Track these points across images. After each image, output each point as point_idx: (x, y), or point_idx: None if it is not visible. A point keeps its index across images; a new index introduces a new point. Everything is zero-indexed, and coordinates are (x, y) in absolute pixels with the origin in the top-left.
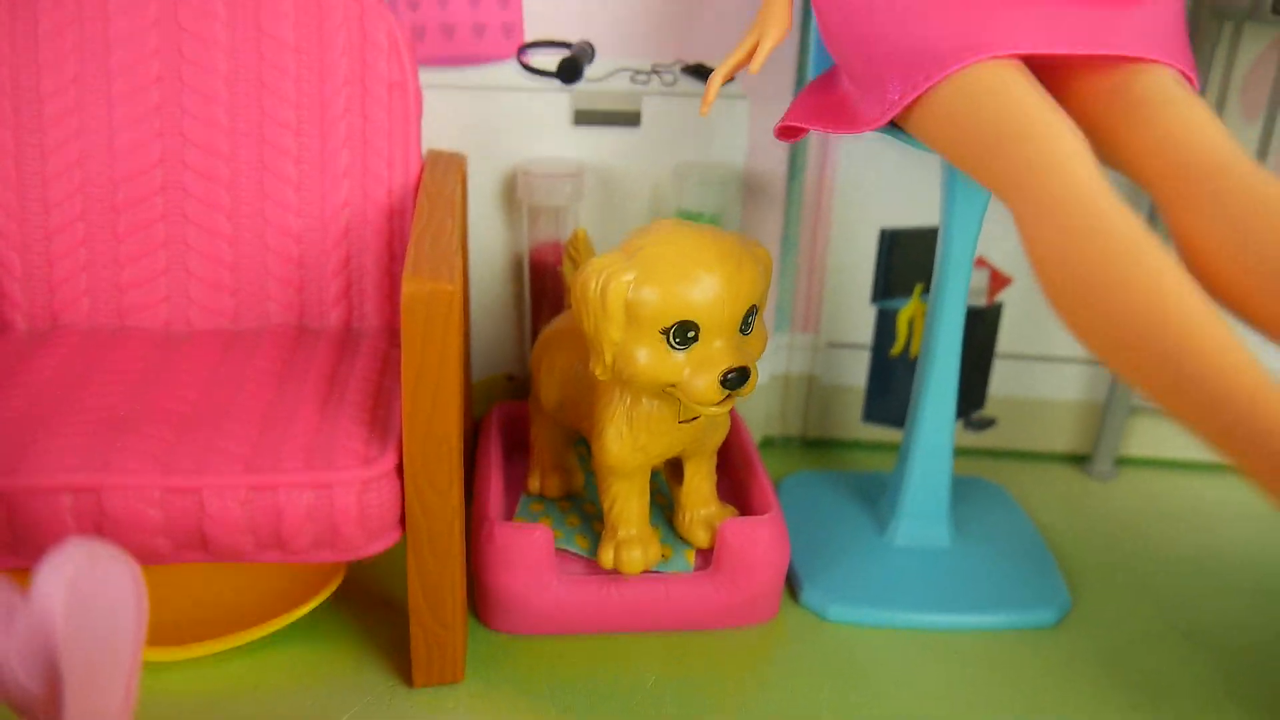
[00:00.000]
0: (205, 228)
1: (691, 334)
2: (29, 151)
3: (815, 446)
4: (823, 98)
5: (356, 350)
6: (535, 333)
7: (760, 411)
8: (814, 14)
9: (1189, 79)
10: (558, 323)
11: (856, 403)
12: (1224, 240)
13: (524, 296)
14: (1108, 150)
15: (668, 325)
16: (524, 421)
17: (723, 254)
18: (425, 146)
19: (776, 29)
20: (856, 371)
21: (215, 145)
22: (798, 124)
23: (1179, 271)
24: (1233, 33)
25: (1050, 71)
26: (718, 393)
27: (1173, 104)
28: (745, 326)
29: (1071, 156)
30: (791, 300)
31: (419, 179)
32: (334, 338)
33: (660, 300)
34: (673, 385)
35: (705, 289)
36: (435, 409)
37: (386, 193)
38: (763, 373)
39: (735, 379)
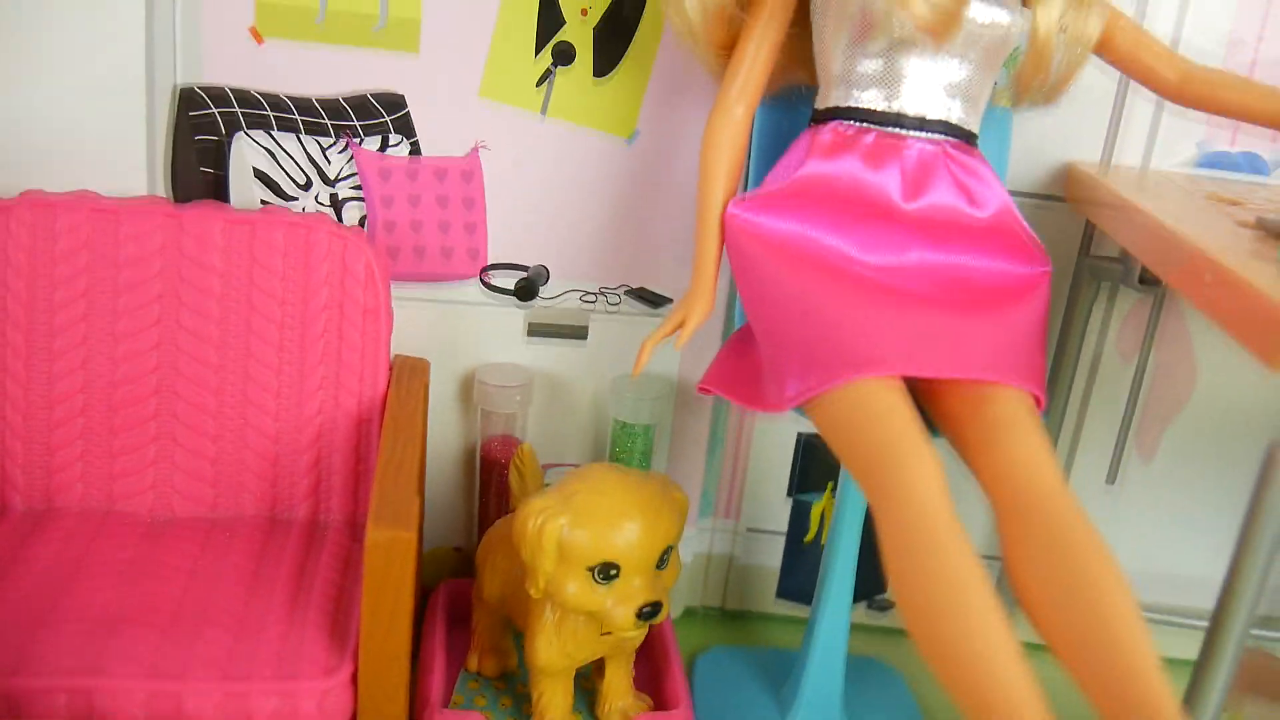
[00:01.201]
0: (192, 427)
1: (614, 572)
2: (38, 355)
3: (733, 618)
4: (739, 363)
5: (323, 544)
6: (483, 511)
7: (684, 585)
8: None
9: (1038, 398)
10: (501, 527)
11: (771, 581)
12: (1036, 568)
13: (474, 479)
14: (968, 460)
15: (594, 564)
16: (468, 599)
17: (644, 503)
18: (395, 349)
19: (701, 310)
20: (772, 554)
21: (206, 356)
22: (715, 390)
23: (995, 611)
24: (1109, 292)
25: (927, 380)
26: (634, 624)
27: (1016, 432)
28: (661, 563)
29: (923, 483)
30: (716, 490)
31: (386, 389)
32: (302, 529)
33: (588, 544)
34: (596, 612)
35: (628, 535)
36: (390, 632)
37: (356, 402)
38: (687, 552)
39: (650, 612)
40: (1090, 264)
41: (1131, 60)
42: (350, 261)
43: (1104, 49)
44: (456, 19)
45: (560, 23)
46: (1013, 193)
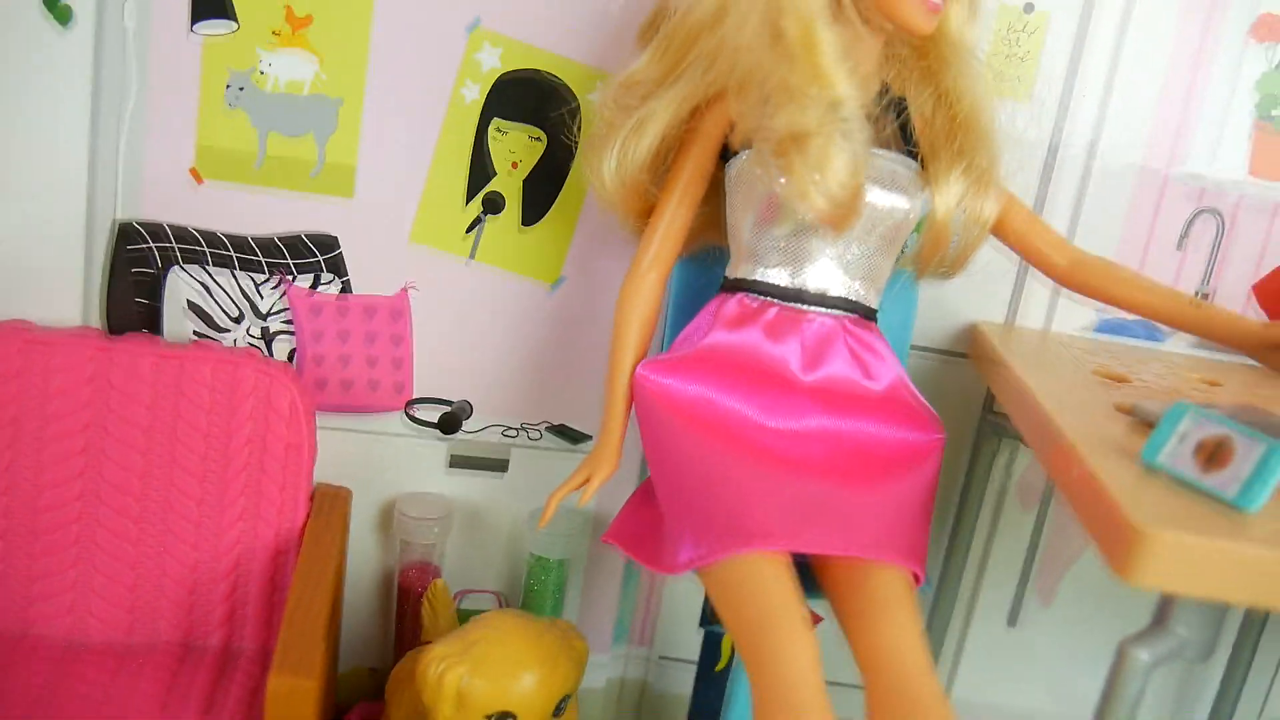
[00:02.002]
0: (112, 554)
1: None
2: None
3: None
4: (643, 515)
5: (234, 673)
6: (399, 634)
7: (599, 710)
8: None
9: (917, 575)
10: (408, 662)
11: (683, 708)
12: None
13: (391, 603)
14: (844, 627)
15: (491, 713)
16: None
17: (543, 653)
18: (320, 476)
19: (606, 467)
20: (684, 682)
21: (129, 485)
22: (618, 544)
23: None
24: (1010, 446)
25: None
26: None
27: (890, 612)
28: (558, 711)
29: (796, 659)
30: (630, 618)
31: (306, 520)
32: (216, 657)
33: (486, 693)
34: None
35: (525, 685)
36: None
37: (274, 534)
38: (601, 677)
39: None
40: (992, 420)
41: (1025, 244)
42: (275, 398)
43: (999, 231)
44: (391, 168)
45: (491, 174)
46: (921, 348)
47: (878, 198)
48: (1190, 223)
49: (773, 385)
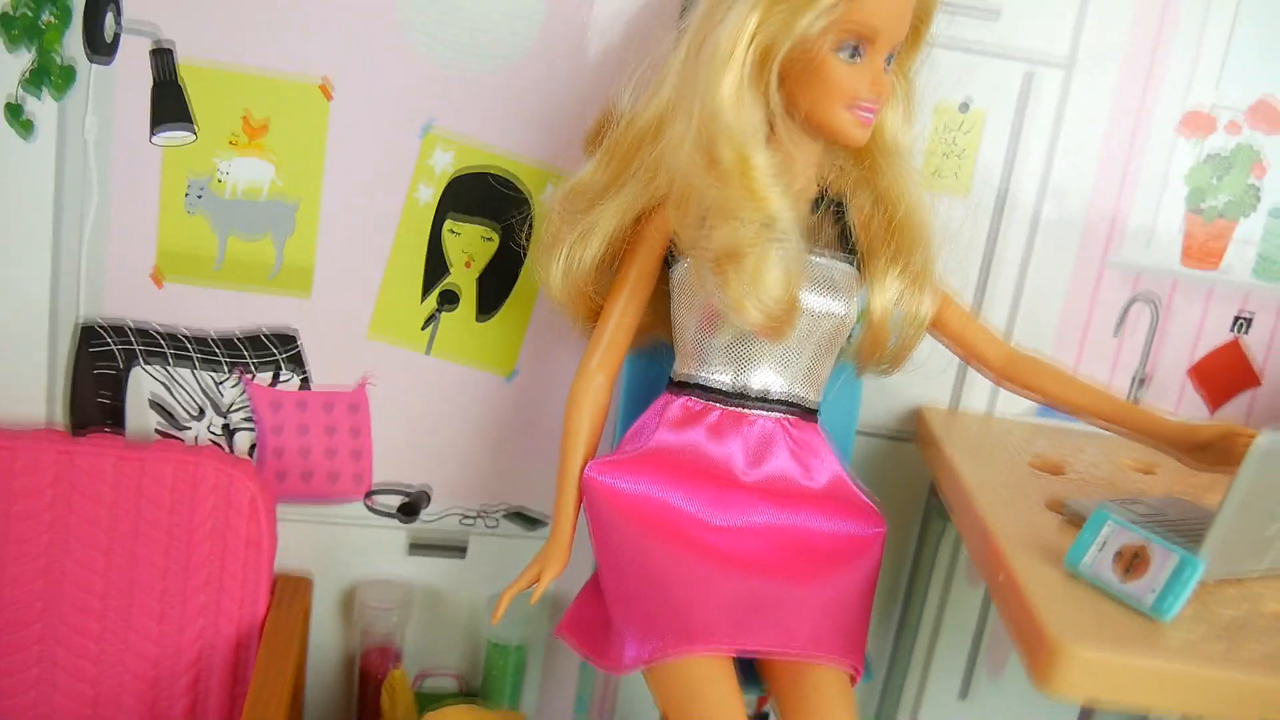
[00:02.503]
0: (74, 650)
1: None
2: None
3: None
4: (595, 607)
5: None
6: (361, 718)
7: None
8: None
9: (856, 671)
10: None
11: None
12: None
13: (353, 687)
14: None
15: None
16: None
17: None
18: (281, 565)
19: (556, 565)
20: None
21: (91, 584)
22: (569, 638)
23: None
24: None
25: None
26: None
27: (826, 709)
28: None
29: None
30: (589, 704)
31: (266, 612)
32: None
33: None
34: None
35: None
36: None
37: (235, 627)
38: None
39: None
40: (938, 501)
41: (961, 342)
42: (235, 495)
43: (936, 329)
44: (348, 266)
45: (446, 271)
46: (868, 432)
47: (816, 303)
48: (1126, 310)
49: (717, 483)
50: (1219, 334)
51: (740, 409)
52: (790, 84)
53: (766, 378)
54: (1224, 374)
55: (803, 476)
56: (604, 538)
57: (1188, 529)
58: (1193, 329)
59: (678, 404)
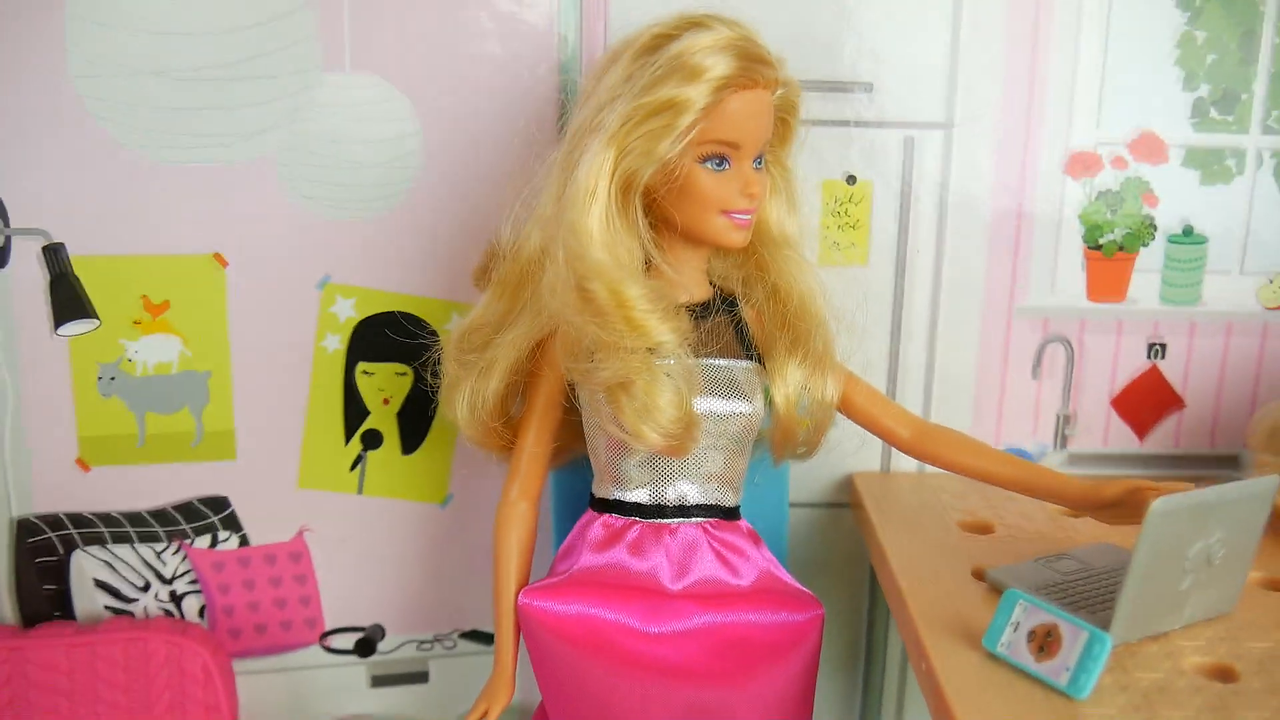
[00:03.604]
0: None
1: None
2: None
3: None
4: None
5: None
6: None
7: None
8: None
9: None
10: None
11: None
12: None
13: None
14: None
15: None
16: None
17: None
18: (248, 717)
19: (502, 698)
20: None
21: None
22: None
23: None
24: None
25: None
26: None
27: None
28: None
29: None
30: None
31: None
32: None
33: None
34: None
35: None
36: None
37: None
38: None
39: None
40: None
41: (869, 419)
42: (187, 665)
43: (845, 409)
44: (268, 425)
45: (365, 412)
46: (804, 504)
47: (720, 407)
48: (1041, 353)
49: (648, 595)
50: (1135, 363)
51: (660, 520)
52: (662, 202)
53: (682, 488)
54: (1146, 401)
55: (731, 577)
56: (542, 664)
57: (1113, 582)
58: (1108, 362)
59: (598, 524)
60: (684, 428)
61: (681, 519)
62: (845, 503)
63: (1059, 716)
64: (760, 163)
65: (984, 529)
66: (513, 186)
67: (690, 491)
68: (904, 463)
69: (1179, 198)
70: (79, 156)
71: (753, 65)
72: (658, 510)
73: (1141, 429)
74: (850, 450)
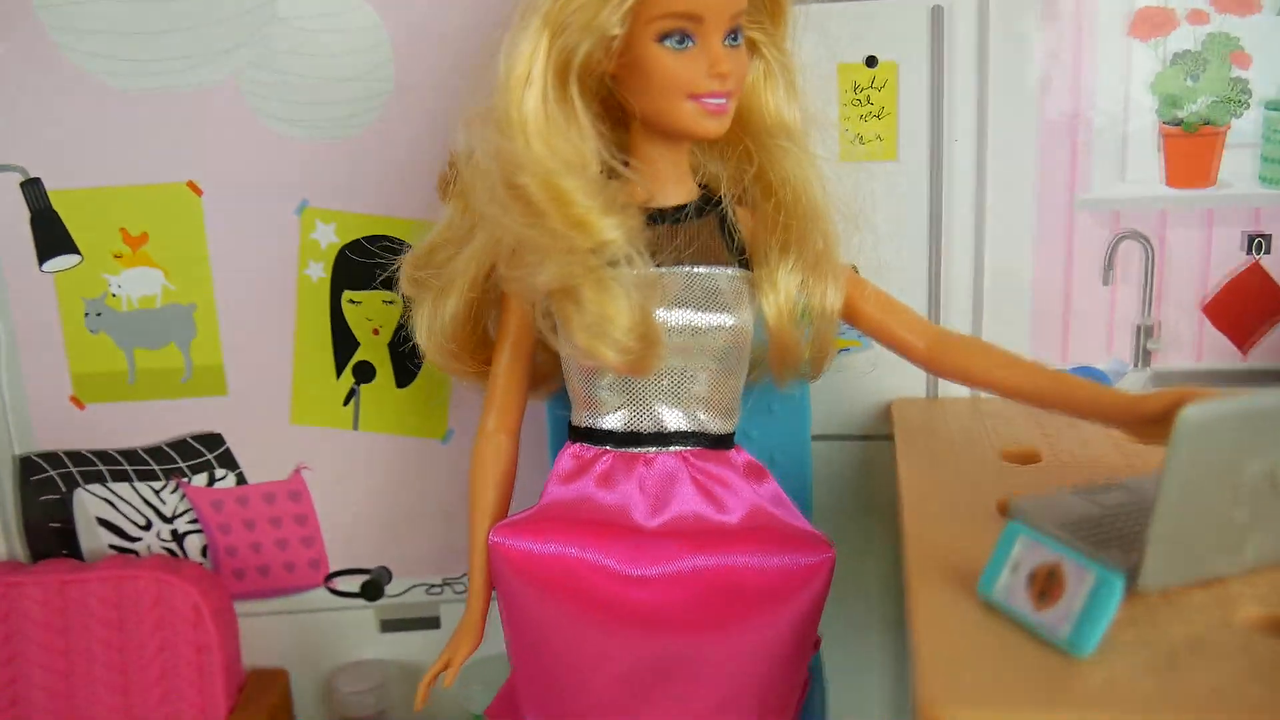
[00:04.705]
0: None
1: None
2: None
3: None
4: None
5: None
6: None
7: None
8: None
9: None
10: None
11: None
12: None
13: None
14: None
15: None
16: None
17: None
18: (255, 661)
19: (467, 645)
20: None
21: (55, 708)
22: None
23: None
24: None
25: None
26: None
27: None
28: None
29: None
30: None
31: (228, 715)
32: None
33: None
34: None
35: None
36: None
37: None
38: None
39: None
40: None
41: (880, 329)
42: (177, 604)
43: (851, 318)
44: (256, 359)
45: (355, 344)
46: (839, 435)
47: (698, 320)
48: (1111, 252)
49: (629, 534)
50: (1232, 260)
51: (633, 450)
52: (621, 89)
53: (659, 413)
54: (1248, 305)
55: (715, 512)
56: (508, 610)
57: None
58: (1197, 260)
59: (569, 454)
60: (641, 341)
61: (658, 447)
62: (885, 435)
63: (1052, 680)
64: (736, 39)
65: (1029, 458)
66: (474, 83)
67: (669, 417)
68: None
69: (1277, 55)
70: (45, 87)
71: None
72: (631, 438)
73: (1243, 339)
74: (889, 371)
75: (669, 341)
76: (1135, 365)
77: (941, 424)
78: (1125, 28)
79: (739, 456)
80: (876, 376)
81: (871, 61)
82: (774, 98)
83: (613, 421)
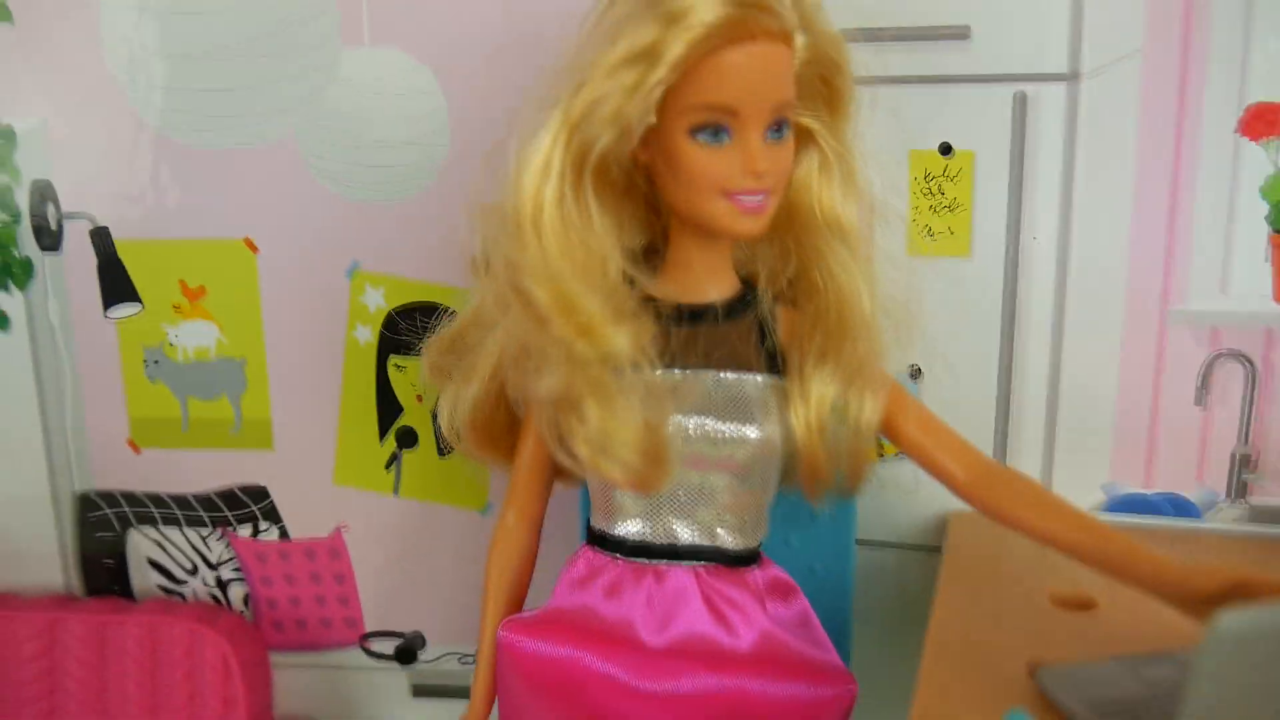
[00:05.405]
0: None
1: None
2: None
3: None
4: None
5: None
6: None
7: None
8: None
9: None
10: None
11: None
12: None
13: None
14: None
15: None
16: None
17: None
18: (286, 709)
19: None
20: None
21: None
22: None
23: None
24: None
25: None
26: None
27: None
28: None
29: None
30: None
31: None
32: None
33: None
34: None
35: None
36: None
37: None
38: None
39: None
40: None
41: (919, 450)
42: (208, 655)
43: (889, 435)
44: (303, 417)
45: (399, 409)
46: (889, 543)
47: (716, 429)
48: (1207, 372)
49: (632, 648)
50: None
51: (644, 562)
52: (654, 178)
53: (673, 525)
54: None
55: (725, 635)
56: (506, 709)
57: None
58: None
59: (582, 560)
60: (647, 459)
61: (670, 561)
62: (938, 546)
63: None
64: (780, 131)
65: (1083, 604)
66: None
67: (683, 531)
68: None
69: None
70: (113, 138)
71: (749, 12)
72: (642, 549)
73: None
74: None
75: (686, 450)
76: (1229, 497)
77: (996, 548)
78: (1236, 124)
79: (761, 574)
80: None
81: (946, 149)
82: (829, 193)
83: (625, 529)
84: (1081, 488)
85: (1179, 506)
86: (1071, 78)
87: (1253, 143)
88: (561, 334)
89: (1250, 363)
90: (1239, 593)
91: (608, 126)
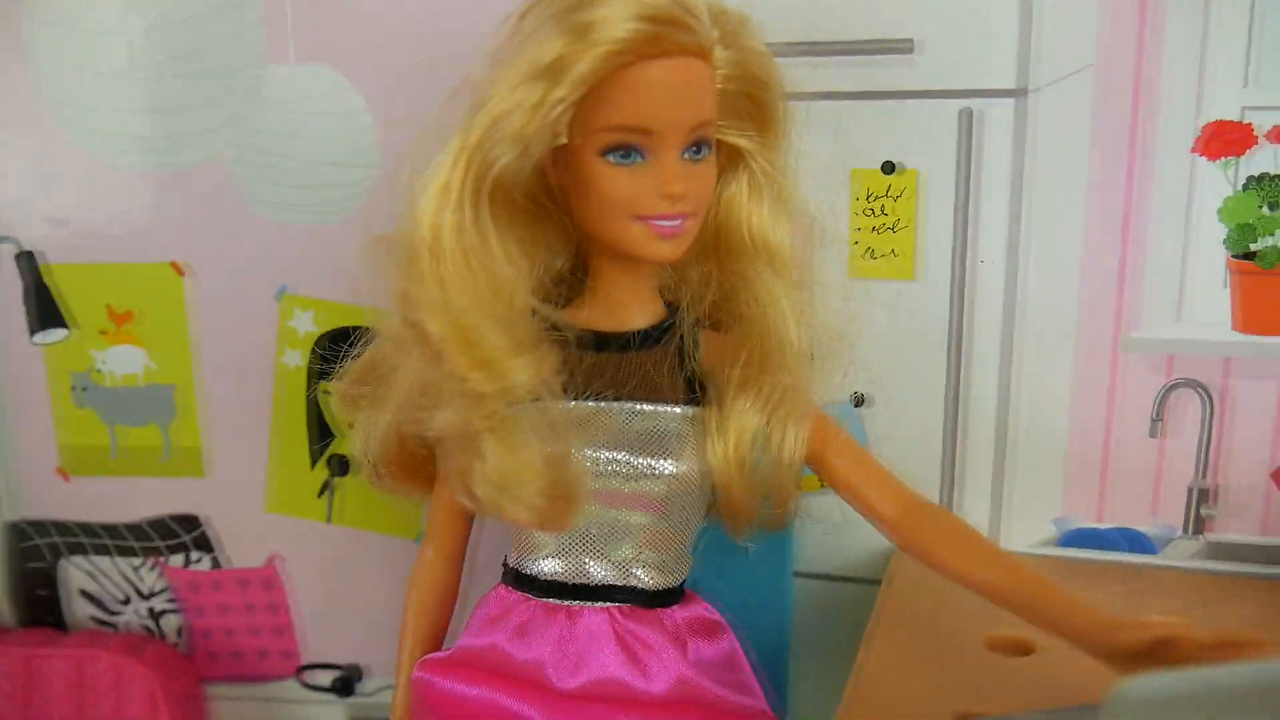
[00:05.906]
0: None
1: None
2: None
3: None
4: None
5: None
6: None
7: None
8: None
9: None
10: None
11: None
12: None
13: None
14: None
15: None
16: None
17: None
18: None
19: None
20: None
21: None
22: None
23: None
24: None
25: None
26: None
27: None
28: None
29: None
30: None
31: None
32: None
33: None
34: None
35: None
36: None
37: None
38: None
39: None
40: None
41: (846, 485)
42: (134, 691)
43: (814, 468)
44: (233, 444)
45: (330, 435)
46: (832, 576)
47: (630, 464)
48: (1161, 401)
49: (544, 691)
50: None
51: (555, 600)
52: (567, 200)
53: (586, 564)
54: None
55: (638, 679)
56: None
57: None
58: (1269, 419)
59: (494, 597)
60: (552, 499)
61: (582, 601)
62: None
63: None
64: (700, 152)
65: (1020, 649)
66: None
67: (596, 570)
68: None
69: None
70: (39, 160)
71: (663, 27)
72: (555, 588)
73: None
74: None
75: (597, 486)
76: (1185, 531)
77: (938, 583)
78: (1192, 142)
79: (681, 614)
80: None
81: (889, 167)
82: (759, 214)
83: (538, 567)
84: (1032, 521)
85: (1134, 541)
86: (1020, 94)
87: (1210, 163)
88: (456, 369)
89: (1207, 392)
90: (1164, 650)
91: (509, 146)
